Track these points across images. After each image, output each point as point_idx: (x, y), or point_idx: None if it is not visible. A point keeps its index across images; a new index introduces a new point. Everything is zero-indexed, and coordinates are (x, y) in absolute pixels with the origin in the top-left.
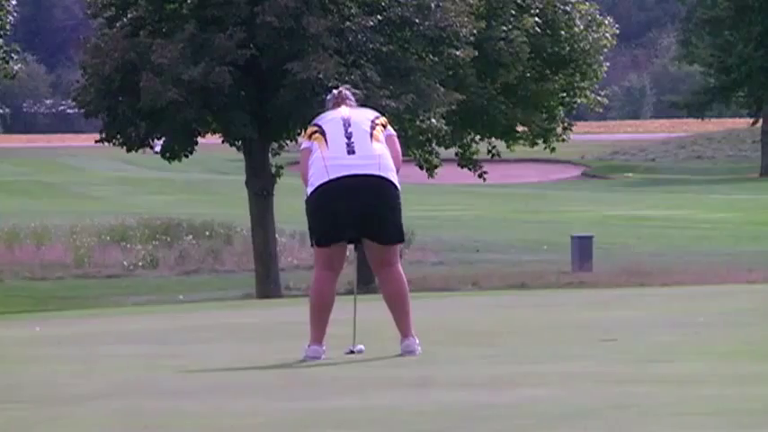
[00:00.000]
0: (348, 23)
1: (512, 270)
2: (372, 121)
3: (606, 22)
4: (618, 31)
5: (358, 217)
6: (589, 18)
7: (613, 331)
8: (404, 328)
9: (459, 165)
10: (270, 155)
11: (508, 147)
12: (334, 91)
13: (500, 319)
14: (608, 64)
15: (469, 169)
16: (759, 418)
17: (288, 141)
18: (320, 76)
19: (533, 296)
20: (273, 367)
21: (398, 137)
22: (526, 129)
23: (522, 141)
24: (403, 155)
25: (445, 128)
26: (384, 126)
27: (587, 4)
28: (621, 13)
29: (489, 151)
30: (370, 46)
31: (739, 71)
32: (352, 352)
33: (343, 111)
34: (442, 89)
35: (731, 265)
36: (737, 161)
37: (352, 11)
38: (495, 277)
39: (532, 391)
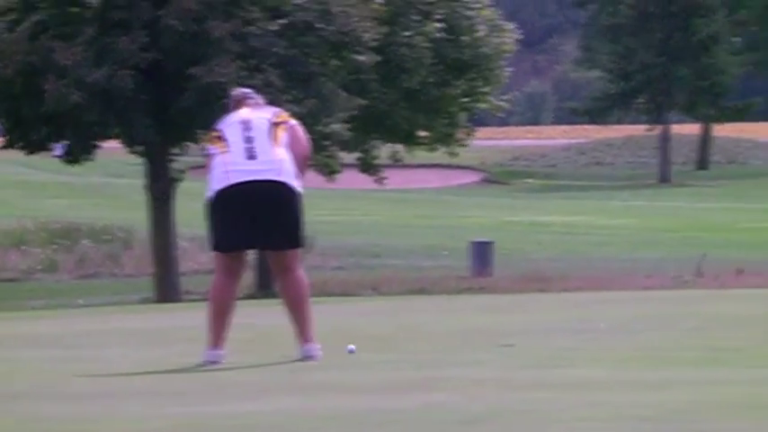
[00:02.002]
0: (251, 28)
1: (412, 275)
2: (270, 121)
3: (508, 27)
4: (520, 37)
5: (256, 223)
6: (491, 24)
7: (512, 336)
8: (304, 334)
9: (360, 170)
10: (170, 159)
11: (408, 152)
12: (234, 92)
13: (400, 325)
14: (510, 69)
15: (369, 174)
16: (655, 425)
17: (189, 144)
18: (223, 80)
19: (433, 301)
20: (173, 371)
21: None
22: (428, 134)
23: (423, 147)
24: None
25: (347, 133)
26: (284, 121)
27: (490, 10)
28: (524, 18)
29: (391, 156)
30: (273, 50)
31: (639, 78)
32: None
33: (243, 113)
34: (344, 94)
35: (629, 271)
36: (636, 168)
37: (256, 15)
38: (395, 282)
39: (431, 397)
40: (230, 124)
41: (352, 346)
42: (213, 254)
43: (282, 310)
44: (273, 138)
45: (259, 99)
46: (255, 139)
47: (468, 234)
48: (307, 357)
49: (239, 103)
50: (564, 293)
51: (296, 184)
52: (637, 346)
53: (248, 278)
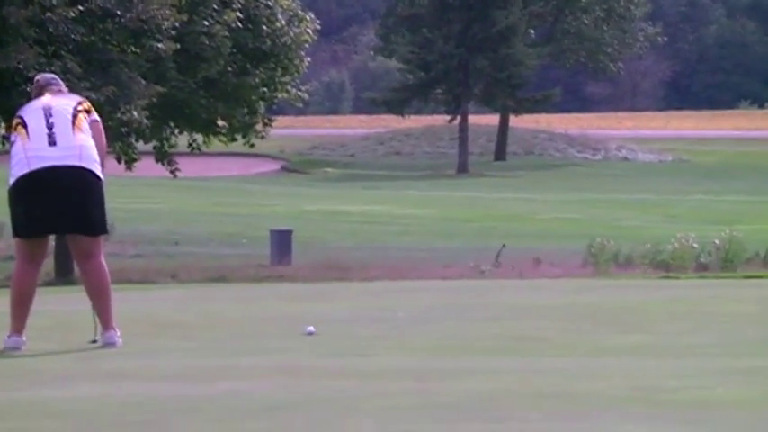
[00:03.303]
0: (49, 14)
1: (211, 263)
2: (75, 108)
3: (307, 17)
4: (319, 27)
5: (58, 210)
6: (291, 13)
7: (314, 325)
8: (105, 320)
9: (155, 159)
10: None
11: (204, 142)
12: (36, 77)
13: (199, 312)
14: (309, 59)
15: (163, 164)
16: (456, 413)
17: None
18: (20, 66)
19: (233, 289)
20: None
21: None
22: (226, 124)
23: (221, 137)
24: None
25: (146, 121)
26: (88, 112)
27: None
28: (321, 8)
29: (190, 144)
30: (72, 37)
31: (438, 69)
32: (94, 341)
33: (46, 99)
34: (143, 82)
35: (428, 260)
36: (435, 158)
37: (54, 2)
38: (195, 270)
39: (232, 384)
40: (32, 111)
41: (311, 328)
42: (14, 241)
43: (83, 297)
44: (76, 124)
45: (62, 86)
46: (56, 125)
47: (267, 222)
48: (107, 344)
49: (42, 88)
50: (363, 282)
51: (98, 169)
52: (436, 335)
53: (48, 265)
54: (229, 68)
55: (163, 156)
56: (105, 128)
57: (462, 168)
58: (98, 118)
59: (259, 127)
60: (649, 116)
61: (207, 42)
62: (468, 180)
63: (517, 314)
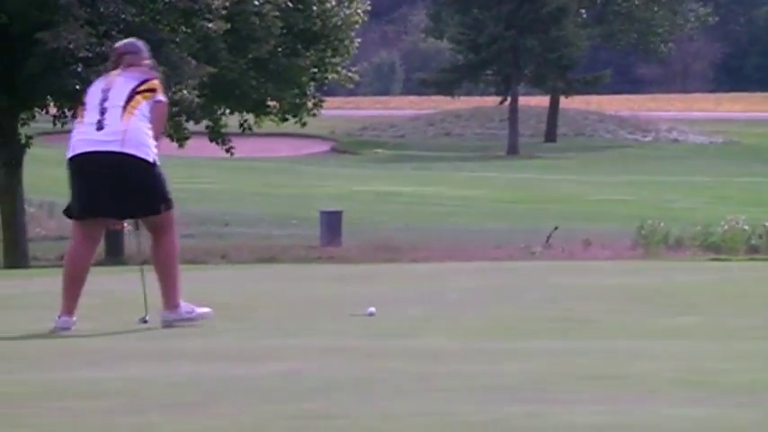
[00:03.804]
0: None
1: (261, 244)
2: (133, 90)
3: None
4: (369, 8)
5: (99, 194)
6: None
7: (364, 306)
8: (165, 299)
9: (209, 139)
10: (19, 124)
11: (256, 123)
12: (117, 45)
13: (252, 293)
14: (359, 40)
15: (218, 143)
16: (505, 395)
17: (39, 111)
18: (70, 45)
19: (283, 270)
20: (23, 338)
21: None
22: (277, 104)
23: (272, 116)
24: None
25: (197, 100)
26: (152, 91)
27: None
28: None
29: (241, 125)
30: (122, 17)
31: (489, 50)
32: (145, 321)
33: (111, 76)
34: (193, 62)
35: (478, 242)
36: (485, 139)
37: None
38: (245, 251)
39: (282, 365)
40: (94, 91)
41: (372, 309)
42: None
43: (133, 277)
44: (128, 109)
45: (141, 54)
46: (108, 110)
47: (317, 203)
48: (166, 324)
49: (119, 57)
50: (413, 264)
51: (144, 152)
52: (485, 317)
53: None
54: (279, 49)
55: (216, 135)
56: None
57: (512, 150)
58: (162, 98)
59: (310, 106)
60: (700, 98)
61: (257, 22)
62: (518, 161)
63: (567, 296)
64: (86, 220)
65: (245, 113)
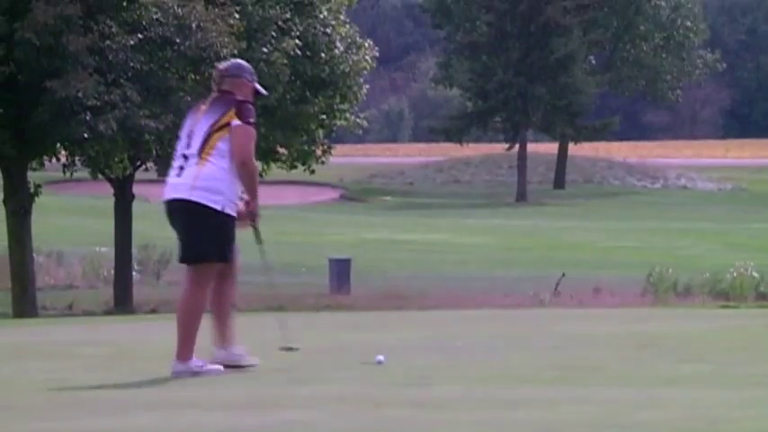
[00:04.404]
0: (108, 42)
1: (269, 292)
2: (211, 128)
3: (366, 44)
4: (377, 54)
5: (180, 238)
6: (349, 40)
7: (372, 355)
8: (179, 348)
9: None
10: (28, 173)
11: (264, 170)
12: (217, 67)
13: (260, 341)
14: (367, 86)
15: None
16: None
17: (49, 160)
18: (79, 94)
19: (292, 318)
20: (30, 387)
21: (160, 156)
22: (285, 151)
23: (281, 164)
24: (166, 175)
25: None
26: (227, 124)
27: (347, 26)
28: (380, 36)
29: None
30: (131, 65)
31: (497, 97)
32: (290, 349)
33: (200, 111)
34: None
35: (487, 289)
36: (494, 186)
37: (113, 29)
38: (254, 299)
39: (291, 414)
40: (184, 129)
41: (381, 357)
42: None
43: (140, 326)
44: (206, 149)
45: (240, 79)
46: (189, 157)
47: (326, 251)
48: (177, 374)
49: (220, 79)
50: (422, 311)
51: (207, 198)
52: (495, 365)
53: (107, 294)
54: (288, 96)
55: None
56: (167, 155)
57: (521, 197)
58: (241, 121)
59: (318, 153)
60: (709, 144)
61: (266, 70)
62: (527, 208)
63: (576, 343)
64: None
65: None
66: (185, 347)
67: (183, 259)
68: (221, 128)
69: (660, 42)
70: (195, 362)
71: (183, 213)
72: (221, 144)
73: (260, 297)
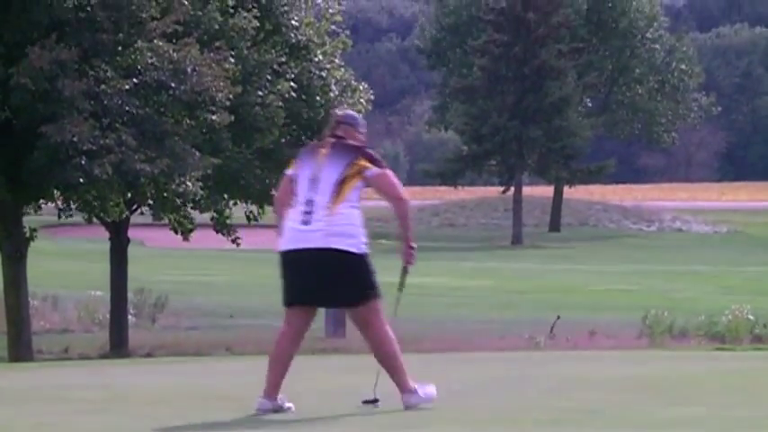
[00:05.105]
0: (103, 87)
1: (266, 335)
2: (342, 174)
3: (361, 87)
4: (372, 98)
5: (308, 288)
6: (344, 84)
7: (370, 397)
8: (398, 385)
9: (214, 230)
10: (23, 217)
11: (260, 213)
12: (334, 114)
13: (255, 385)
14: (362, 130)
15: (224, 234)
16: None
17: (44, 203)
18: (74, 139)
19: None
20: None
21: (156, 200)
22: None
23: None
24: (160, 219)
25: (201, 192)
26: (359, 173)
27: (342, 70)
28: (376, 80)
29: (247, 216)
30: (126, 109)
31: (492, 140)
32: (374, 402)
33: (321, 155)
34: (197, 153)
35: (483, 332)
36: (489, 229)
37: (108, 74)
38: (249, 343)
39: None
40: (303, 174)
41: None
42: None
43: (136, 370)
44: (339, 196)
45: (358, 128)
46: (316, 203)
47: None
48: (406, 406)
49: (336, 125)
50: (419, 354)
51: (351, 245)
52: (491, 407)
53: (102, 338)
54: (284, 139)
55: (222, 226)
56: (162, 199)
57: (517, 240)
58: (376, 170)
59: None
60: (704, 187)
61: (261, 113)
62: (522, 251)
63: (572, 386)
64: (294, 308)
65: (249, 204)
66: (403, 380)
67: (344, 304)
68: (353, 176)
69: (655, 86)
70: (422, 390)
71: (329, 261)
72: (353, 193)
73: (256, 341)
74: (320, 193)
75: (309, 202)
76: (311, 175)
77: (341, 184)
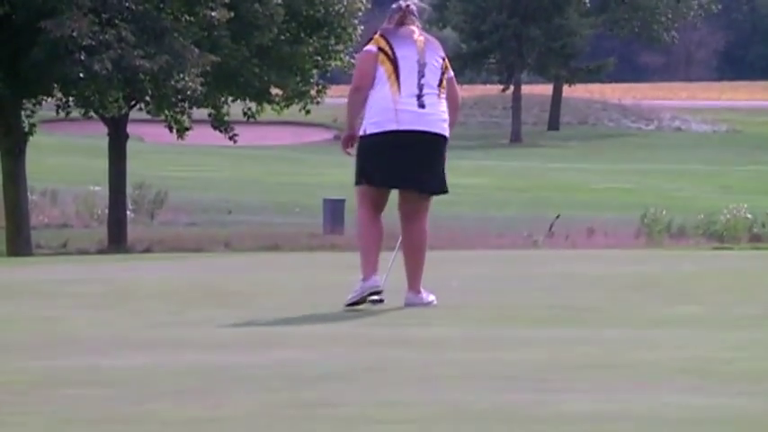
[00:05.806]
0: None
1: (264, 231)
2: (442, 66)
3: None
4: None
5: (414, 169)
6: None
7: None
8: (412, 282)
9: (212, 126)
10: (23, 112)
11: (257, 111)
12: (401, 3)
13: (254, 281)
14: (362, 27)
15: (221, 131)
16: (506, 383)
17: (44, 99)
18: (74, 34)
19: (285, 258)
20: (25, 326)
21: (154, 96)
22: (280, 92)
23: (275, 105)
24: (157, 115)
25: (200, 88)
26: (447, 70)
27: None
28: None
29: (245, 113)
30: (126, 5)
31: (491, 38)
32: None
33: (419, 46)
34: (196, 50)
35: (481, 230)
36: (488, 127)
37: None
38: (248, 238)
39: (285, 353)
40: (406, 59)
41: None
42: (356, 189)
43: (136, 265)
44: (442, 86)
45: (417, 21)
46: (426, 86)
47: (320, 191)
48: (407, 304)
49: (404, 15)
50: None
51: (447, 131)
52: (488, 306)
53: (101, 233)
54: (282, 36)
55: (219, 123)
56: (160, 96)
57: (515, 138)
58: (452, 74)
59: (313, 93)
60: (703, 86)
61: (260, 10)
62: (521, 150)
63: (569, 285)
64: (381, 190)
65: (247, 101)
66: (420, 280)
67: (434, 191)
68: (446, 70)
69: None
70: (425, 294)
71: (436, 147)
72: (445, 82)
73: (254, 237)
74: (428, 82)
75: (421, 86)
76: (418, 63)
77: (443, 74)
